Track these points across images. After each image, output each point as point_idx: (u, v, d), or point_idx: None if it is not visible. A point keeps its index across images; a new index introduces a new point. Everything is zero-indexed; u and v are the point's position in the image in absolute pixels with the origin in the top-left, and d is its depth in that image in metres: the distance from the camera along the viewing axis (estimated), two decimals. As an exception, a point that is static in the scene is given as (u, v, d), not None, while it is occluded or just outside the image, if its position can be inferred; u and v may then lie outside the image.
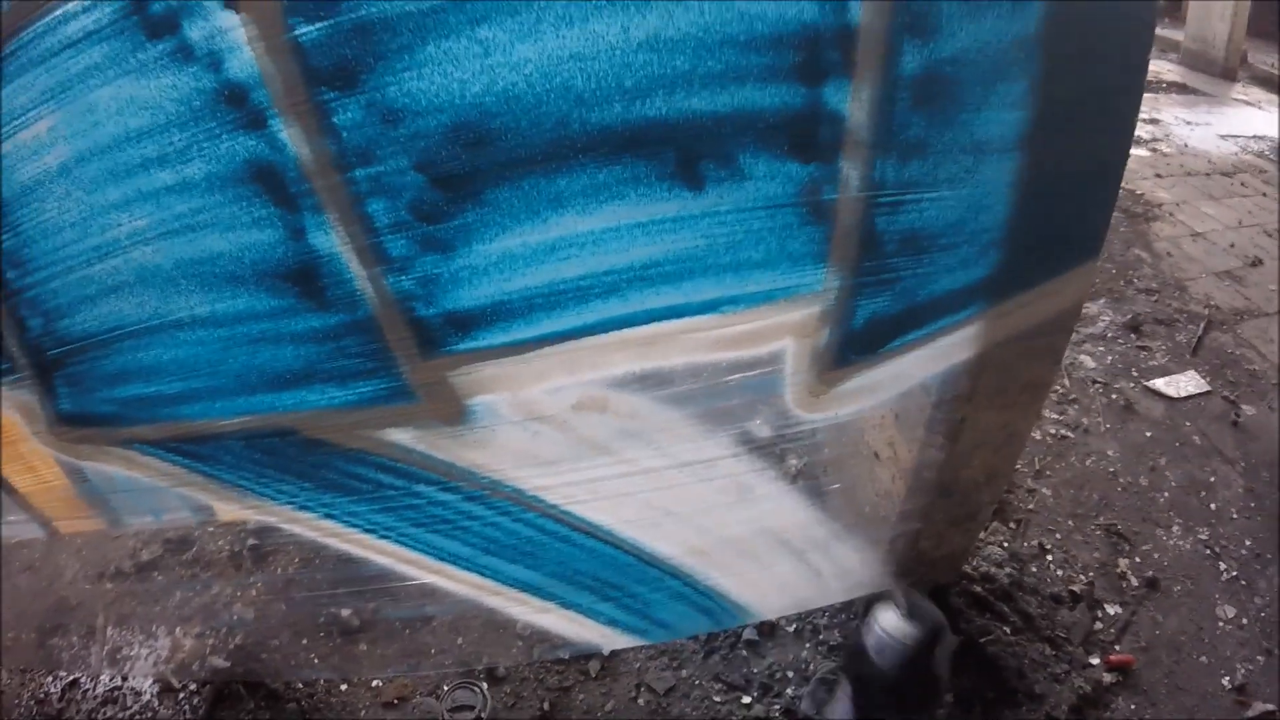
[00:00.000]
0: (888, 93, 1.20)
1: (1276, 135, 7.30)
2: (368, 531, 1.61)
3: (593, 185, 1.15)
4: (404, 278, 1.23)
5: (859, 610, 2.28)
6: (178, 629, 2.39)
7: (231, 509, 1.67)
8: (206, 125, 1.18)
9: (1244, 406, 3.47)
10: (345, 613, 2.27)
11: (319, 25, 1.09)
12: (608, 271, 1.22)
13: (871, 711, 1.46)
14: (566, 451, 1.43)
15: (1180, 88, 9.25)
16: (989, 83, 1.28)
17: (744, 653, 2.21)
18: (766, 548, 1.73)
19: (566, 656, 2.15)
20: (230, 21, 1.09)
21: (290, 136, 1.16)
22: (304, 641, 2.30)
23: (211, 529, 2.55)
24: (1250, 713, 2.31)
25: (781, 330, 1.35)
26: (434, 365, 1.32)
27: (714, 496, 1.56)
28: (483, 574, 1.66)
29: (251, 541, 2.50)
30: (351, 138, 1.15)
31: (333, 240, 1.23)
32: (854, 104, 1.19)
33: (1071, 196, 1.51)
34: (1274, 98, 8.83)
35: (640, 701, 2.14)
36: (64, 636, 2.38)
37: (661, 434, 1.43)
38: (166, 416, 1.55)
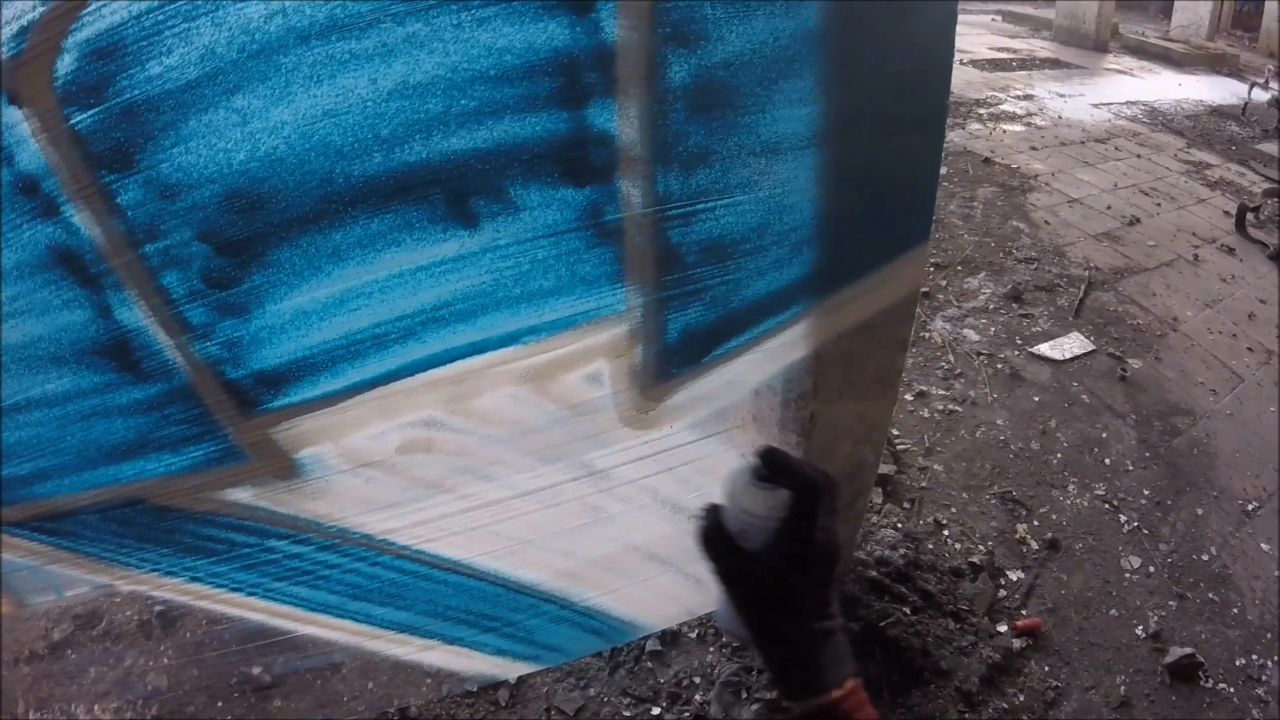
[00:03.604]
0: (658, 106, 1.23)
1: (1147, 99, 7.59)
2: (235, 590, 1.62)
3: (368, 236, 1.19)
4: (209, 343, 1.26)
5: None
6: (96, 706, 2.38)
7: (103, 580, 1.68)
8: (9, 216, 1.20)
9: (1130, 361, 3.57)
10: (256, 670, 2.27)
11: (91, 112, 1.12)
12: (400, 317, 1.26)
13: (757, 614, 0.94)
14: (404, 494, 1.47)
15: (1054, 63, 9.61)
16: (770, 82, 1.31)
17: (649, 664, 2.25)
18: (637, 563, 1.77)
19: (475, 689, 2.17)
20: (15, 116, 1.12)
21: (82, 220, 1.18)
22: (219, 704, 2.29)
23: (118, 599, 2.54)
24: (1169, 658, 2.36)
25: (592, 353, 1.40)
26: (255, 424, 1.35)
27: (566, 520, 1.60)
28: (356, 619, 1.69)
29: (159, 608, 2.49)
30: (136, 215, 1.17)
31: (137, 314, 1.25)
32: (622, 122, 1.22)
33: (886, 184, 1.54)
34: (1145, 64, 9.17)
35: (551, 725, 2.16)
36: (-14, 727, 2.35)
37: (495, 466, 1.47)
38: (24, 497, 1.55)
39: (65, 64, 1.09)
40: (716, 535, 0.97)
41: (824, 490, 0.96)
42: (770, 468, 0.96)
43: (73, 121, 1.12)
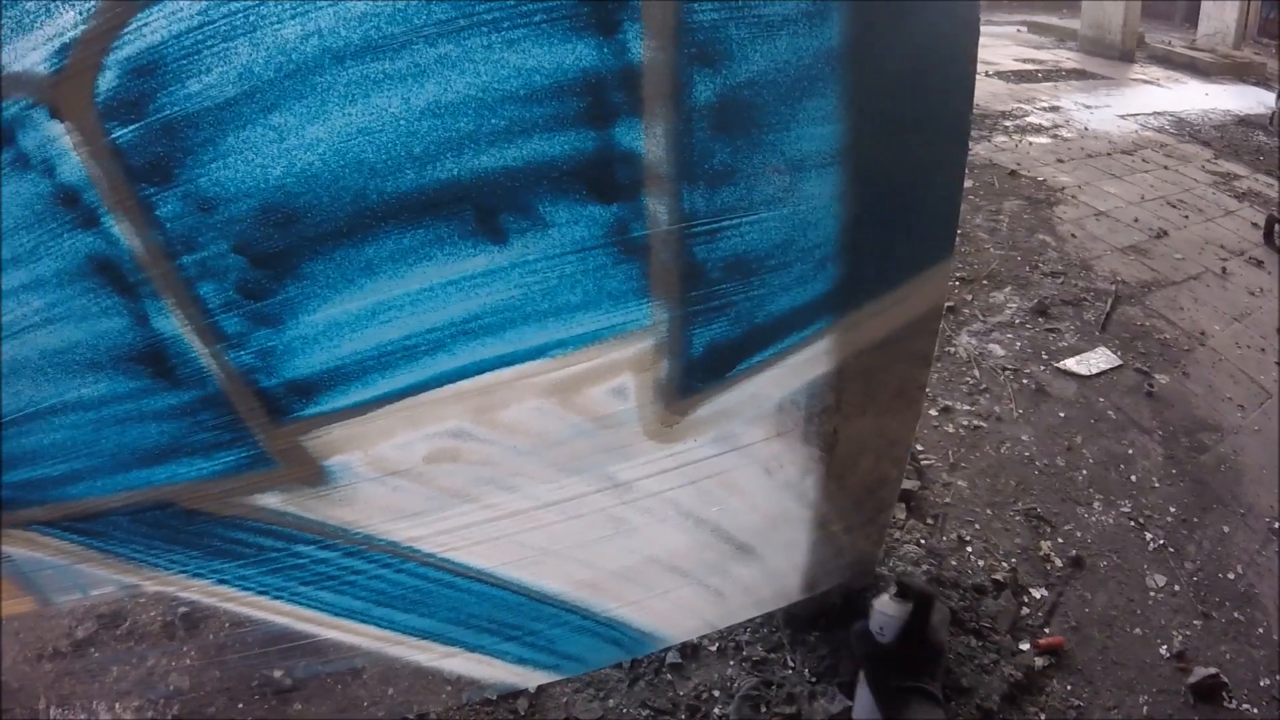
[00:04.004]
0: (683, 125, 1.25)
1: (1173, 109, 7.50)
2: (261, 593, 1.64)
3: (400, 250, 1.21)
4: (243, 352, 1.29)
5: (779, 621, 2.34)
6: (117, 704, 2.41)
7: (130, 580, 1.71)
8: (49, 226, 1.23)
9: (1157, 376, 3.52)
10: (277, 673, 2.29)
11: (132, 127, 1.14)
12: (430, 330, 1.28)
13: (885, 681, 1.73)
14: (429, 502, 1.48)
15: (1080, 74, 9.53)
16: (793, 100, 1.32)
17: (669, 676, 2.25)
18: (658, 576, 1.78)
19: (494, 697, 2.18)
20: (57, 130, 1.15)
21: (122, 231, 1.21)
22: (240, 706, 2.32)
23: (142, 600, 2.58)
24: (1192, 678, 2.33)
25: (617, 367, 1.41)
26: (286, 431, 1.37)
27: (589, 531, 1.61)
28: (379, 625, 1.70)
29: (183, 609, 2.52)
30: (174, 228, 1.20)
31: (174, 323, 1.28)
32: (648, 140, 1.24)
33: (909, 200, 1.55)
34: (1171, 74, 9.07)
35: (570, 735, 2.17)
36: (9, 721, 2.39)
37: (519, 477, 1.49)
38: (56, 497, 1.59)
39: (107, 80, 1.11)
40: (864, 631, 1.84)
41: (935, 604, 1.82)
42: (901, 587, 1.83)
43: (113, 136, 1.15)
